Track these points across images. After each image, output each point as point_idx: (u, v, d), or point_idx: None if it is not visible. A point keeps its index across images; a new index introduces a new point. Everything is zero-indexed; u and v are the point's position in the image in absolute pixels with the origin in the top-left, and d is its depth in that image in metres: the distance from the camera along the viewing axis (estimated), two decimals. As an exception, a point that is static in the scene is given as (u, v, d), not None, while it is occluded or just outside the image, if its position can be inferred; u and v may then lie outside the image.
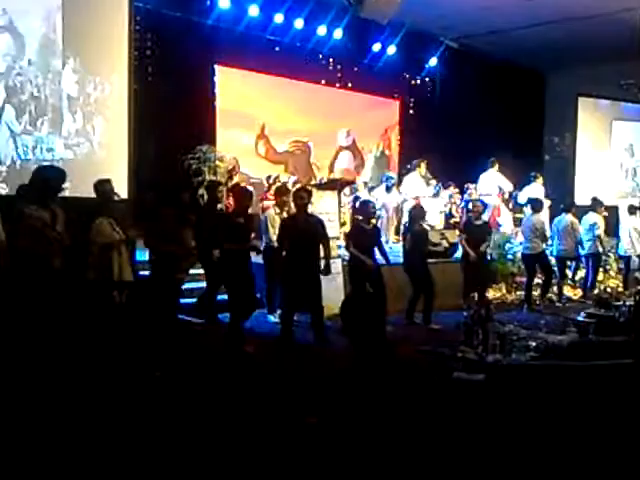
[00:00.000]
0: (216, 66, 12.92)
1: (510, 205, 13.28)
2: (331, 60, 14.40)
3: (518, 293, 10.50)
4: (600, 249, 10.78)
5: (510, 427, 3.09)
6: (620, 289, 10.74)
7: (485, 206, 10.55)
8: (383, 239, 9.06)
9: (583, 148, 15.89)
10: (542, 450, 2.99)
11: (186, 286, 7.45)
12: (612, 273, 11.85)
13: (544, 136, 17.75)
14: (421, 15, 12.61)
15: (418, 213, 8.85)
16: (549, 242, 10.44)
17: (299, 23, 12.84)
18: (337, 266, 8.83)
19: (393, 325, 6.82)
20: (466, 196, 12.76)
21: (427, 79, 16.07)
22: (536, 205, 10.29)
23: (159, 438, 4.25)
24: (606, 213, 11.16)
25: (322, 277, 7.24)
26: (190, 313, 7.51)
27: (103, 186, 6.27)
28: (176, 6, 11.44)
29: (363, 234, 8.03)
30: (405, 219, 10.17)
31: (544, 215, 10.92)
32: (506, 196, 13.05)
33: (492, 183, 12.82)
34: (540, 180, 12.88)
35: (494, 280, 10.58)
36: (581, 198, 13.47)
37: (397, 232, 11.71)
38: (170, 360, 5.54)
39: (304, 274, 7.05)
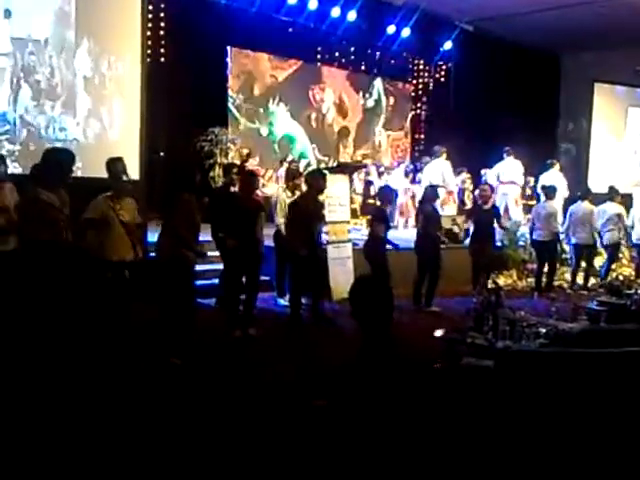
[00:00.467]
0: (229, 47, 12.87)
1: (525, 193, 13.19)
2: (344, 42, 14.31)
3: (529, 280, 10.48)
4: (623, 240, 10.72)
5: (518, 412, 3.08)
6: (632, 277, 10.66)
7: (492, 190, 10.46)
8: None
9: (598, 134, 15.72)
10: (550, 436, 2.98)
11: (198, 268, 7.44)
12: (624, 261, 11.75)
13: (559, 122, 17.57)
14: (436, -3, 12.51)
15: (430, 194, 8.81)
16: (562, 230, 10.38)
17: (313, 4, 12.72)
18: (347, 250, 8.83)
19: (401, 310, 6.84)
20: (485, 178, 12.64)
21: (441, 63, 15.94)
22: (549, 192, 10.25)
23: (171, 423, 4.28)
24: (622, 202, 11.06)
25: (332, 261, 7.28)
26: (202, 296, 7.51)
27: (115, 165, 6.20)
28: (190, -14, 11.39)
29: (385, 218, 8.18)
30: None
31: (557, 202, 10.85)
32: (519, 190, 12.92)
33: (512, 172, 12.69)
34: (557, 167, 12.76)
35: (505, 267, 10.56)
36: (594, 185, 13.33)
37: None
38: (187, 347, 5.54)
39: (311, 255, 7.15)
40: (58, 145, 8.02)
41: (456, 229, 9.53)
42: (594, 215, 10.36)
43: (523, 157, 12.82)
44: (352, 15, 13.21)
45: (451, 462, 2.72)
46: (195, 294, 6.16)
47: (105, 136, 9.72)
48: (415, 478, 2.56)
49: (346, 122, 15.25)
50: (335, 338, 6.53)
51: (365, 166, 12.68)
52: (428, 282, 8.42)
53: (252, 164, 11.23)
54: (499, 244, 9.67)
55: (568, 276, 10.65)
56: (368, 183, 12.35)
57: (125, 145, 9.75)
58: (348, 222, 9.28)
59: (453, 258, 9.11)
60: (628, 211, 11.07)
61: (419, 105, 16.48)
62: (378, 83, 15.77)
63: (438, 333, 5.11)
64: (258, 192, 8.98)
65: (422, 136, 16.45)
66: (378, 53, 14.95)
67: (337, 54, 14.51)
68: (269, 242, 8.16)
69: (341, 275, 8.35)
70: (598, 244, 10.70)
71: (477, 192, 9.83)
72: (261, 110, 13.66)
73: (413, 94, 16.45)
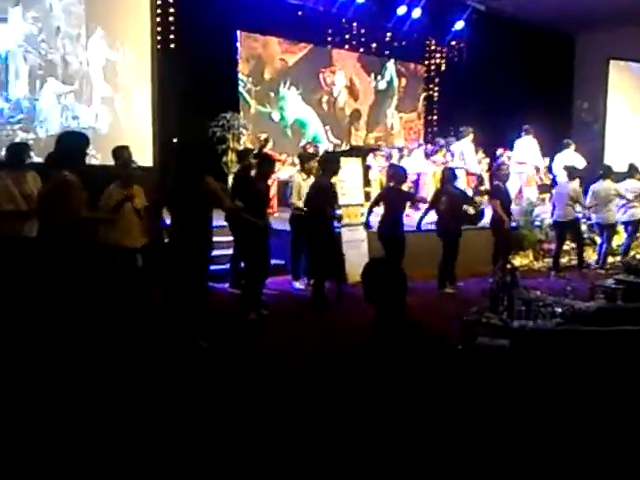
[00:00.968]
0: (238, 31, 12.81)
1: (541, 174, 13.05)
2: (355, 24, 14.19)
3: (546, 260, 10.40)
4: None
5: (534, 391, 3.07)
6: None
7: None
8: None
9: (614, 112, 15.52)
10: (567, 415, 2.97)
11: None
12: (642, 240, 11.63)
13: (574, 100, 17.36)
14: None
15: (448, 175, 8.75)
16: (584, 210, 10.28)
17: (322, -13, 12.64)
18: (361, 233, 8.82)
19: (419, 292, 6.84)
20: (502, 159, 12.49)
21: (453, 43, 15.75)
22: (573, 172, 10.11)
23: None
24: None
25: (346, 243, 7.31)
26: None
27: (121, 152, 6.26)
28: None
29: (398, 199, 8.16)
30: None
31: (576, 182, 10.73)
32: (534, 171, 12.77)
33: (527, 151, 12.57)
34: (573, 146, 12.61)
35: (521, 247, 10.50)
36: (611, 163, 13.17)
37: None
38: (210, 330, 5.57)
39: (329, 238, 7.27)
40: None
41: (471, 210, 9.44)
42: (618, 193, 10.22)
43: (538, 137, 12.70)
44: (362, -4, 13.09)
45: (466, 441, 2.72)
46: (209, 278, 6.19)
47: (118, 124, 9.77)
48: (428, 458, 2.56)
49: (358, 105, 15.15)
50: (354, 321, 6.54)
51: (378, 148, 12.59)
52: (443, 262, 8.39)
53: (268, 148, 11.18)
54: (514, 224, 9.59)
55: (590, 255, 10.55)
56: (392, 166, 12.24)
57: (138, 132, 9.80)
58: (362, 205, 9.26)
59: (470, 240, 9.05)
60: None
61: (431, 86, 16.31)
62: (390, 65, 15.64)
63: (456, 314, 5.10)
64: (272, 176, 9.00)
65: (435, 117, 16.32)
66: (389, 34, 14.78)
67: (347, 36, 14.36)
68: (285, 226, 8.20)
69: (355, 258, 8.35)
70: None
71: (497, 171, 9.67)
72: (272, 94, 13.61)
73: (425, 75, 16.29)
